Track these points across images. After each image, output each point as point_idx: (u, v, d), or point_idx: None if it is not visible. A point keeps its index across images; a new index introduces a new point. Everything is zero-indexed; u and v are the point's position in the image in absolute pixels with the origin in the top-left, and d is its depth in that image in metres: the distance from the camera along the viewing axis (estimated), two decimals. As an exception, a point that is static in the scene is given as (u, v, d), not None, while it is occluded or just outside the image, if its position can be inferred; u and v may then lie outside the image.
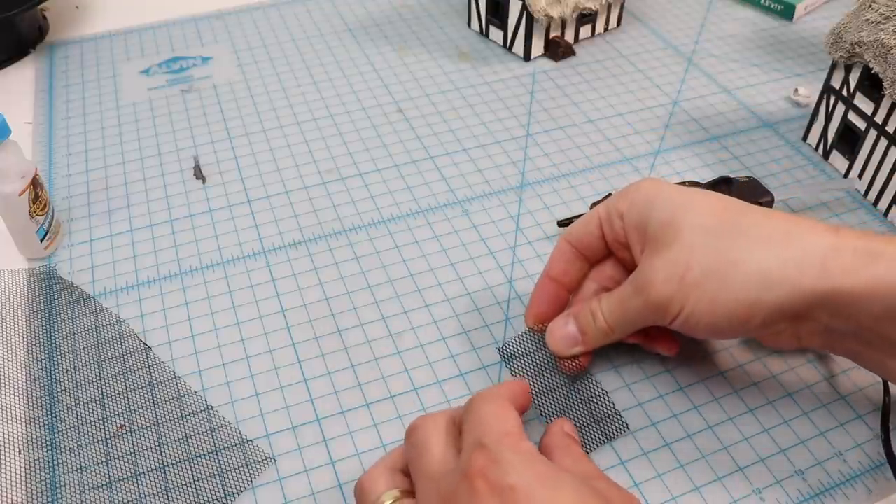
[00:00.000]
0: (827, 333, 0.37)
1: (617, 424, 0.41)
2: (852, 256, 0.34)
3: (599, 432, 0.41)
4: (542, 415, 0.41)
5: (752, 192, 0.52)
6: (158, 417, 0.42)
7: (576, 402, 0.42)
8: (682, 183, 0.53)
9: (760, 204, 0.52)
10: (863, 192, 0.56)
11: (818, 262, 0.34)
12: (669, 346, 0.43)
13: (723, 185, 0.53)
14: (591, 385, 0.43)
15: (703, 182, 0.54)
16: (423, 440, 0.34)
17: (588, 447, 0.40)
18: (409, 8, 0.80)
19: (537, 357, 0.43)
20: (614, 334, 0.40)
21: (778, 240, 0.35)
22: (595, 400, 0.42)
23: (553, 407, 0.42)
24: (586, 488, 0.31)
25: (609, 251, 0.43)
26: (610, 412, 0.42)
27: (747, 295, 0.35)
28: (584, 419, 0.41)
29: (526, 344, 0.44)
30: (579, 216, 0.52)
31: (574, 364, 0.42)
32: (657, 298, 0.37)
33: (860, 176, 0.56)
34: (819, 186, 0.56)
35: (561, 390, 0.42)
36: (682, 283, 0.36)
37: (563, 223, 0.53)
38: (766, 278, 0.35)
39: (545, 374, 0.43)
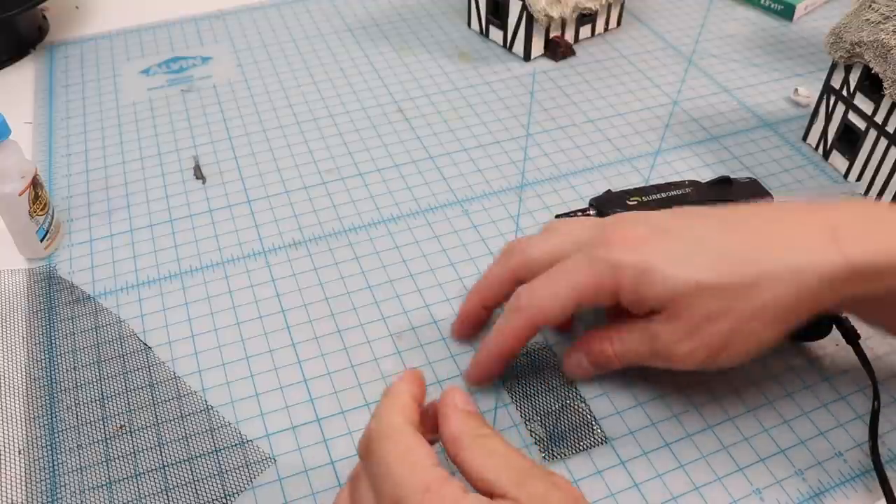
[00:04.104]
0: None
1: (594, 435, 0.41)
2: (856, 274, 0.35)
3: (575, 441, 0.41)
4: (522, 418, 0.42)
5: (752, 193, 0.52)
6: (158, 417, 0.42)
7: (554, 409, 0.42)
8: (682, 183, 0.53)
9: (760, 204, 0.52)
10: (863, 192, 0.56)
11: (828, 281, 0.35)
12: None
13: (723, 185, 0.53)
14: (572, 393, 0.43)
15: (704, 182, 0.54)
16: None
17: (561, 454, 0.40)
18: (409, 8, 0.80)
19: (528, 368, 0.44)
20: (620, 367, 0.41)
21: (786, 275, 0.35)
22: (573, 407, 0.42)
23: (532, 411, 0.42)
24: None
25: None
26: (587, 421, 0.42)
27: (771, 334, 0.36)
28: (561, 426, 0.41)
29: (520, 358, 0.45)
30: (577, 211, 0.53)
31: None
32: (685, 366, 0.38)
33: (860, 176, 0.56)
34: (820, 190, 0.55)
35: (540, 396, 0.43)
36: (709, 352, 0.37)
37: (561, 217, 0.53)
38: (785, 313, 0.35)
39: (529, 380, 0.44)
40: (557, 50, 0.71)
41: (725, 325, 0.36)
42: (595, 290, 0.38)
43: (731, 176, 0.53)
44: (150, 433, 0.41)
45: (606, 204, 0.52)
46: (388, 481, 0.30)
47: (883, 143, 0.53)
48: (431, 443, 0.33)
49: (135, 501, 0.39)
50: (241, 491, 0.39)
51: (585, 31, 0.74)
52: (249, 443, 0.41)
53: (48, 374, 0.45)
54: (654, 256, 0.37)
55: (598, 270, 0.37)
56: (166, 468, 0.40)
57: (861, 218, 0.36)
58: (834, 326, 0.44)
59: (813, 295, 0.35)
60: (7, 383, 0.44)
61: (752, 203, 0.43)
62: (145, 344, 0.46)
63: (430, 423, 0.35)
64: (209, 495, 0.39)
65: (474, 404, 0.34)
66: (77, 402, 0.43)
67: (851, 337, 0.44)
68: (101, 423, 0.42)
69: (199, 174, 0.59)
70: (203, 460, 0.40)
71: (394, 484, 0.30)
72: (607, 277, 0.37)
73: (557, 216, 0.53)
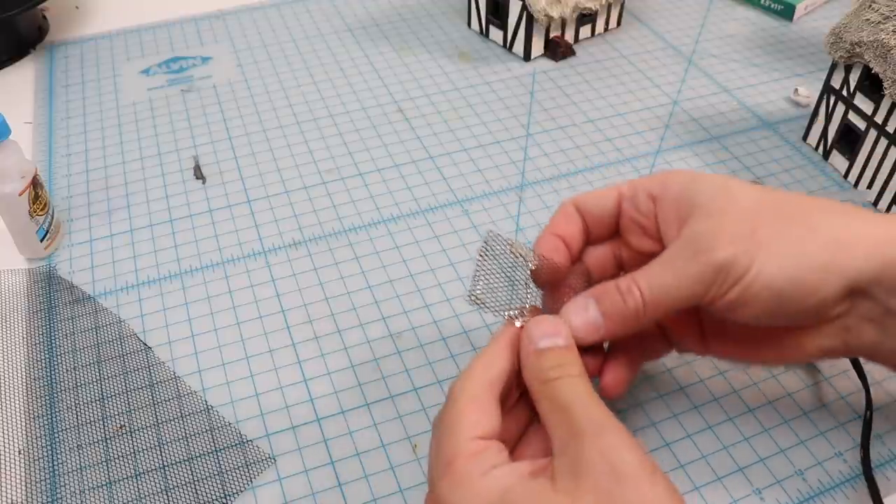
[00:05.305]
0: (880, 321, 0.34)
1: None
2: None
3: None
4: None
5: None
6: (158, 417, 0.42)
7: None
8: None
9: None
10: (863, 193, 0.56)
11: (884, 235, 0.32)
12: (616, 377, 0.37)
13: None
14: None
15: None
16: None
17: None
18: (409, 8, 0.80)
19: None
20: (646, 315, 0.33)
21: (842, 212, 0.34)
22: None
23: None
24: None
25: (612, 234, 0.38)
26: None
27: (820, 257, 0.32)
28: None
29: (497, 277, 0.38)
30: None
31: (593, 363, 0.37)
32: (721, 258, 0.32)
33: (860, 176, 0.56)
34: (831, 196, 0.55)
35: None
36: (751, 241, 0.32)
37: None
38: (840, 241, 0.32)
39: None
40: (557, 50, 0.71)
41: (772, 229, 0.32)
42: (641, 186, 0.36)
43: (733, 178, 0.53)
44: (150, 433, 0.41)
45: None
46: (433, 447, 0.31)
47: (883, 143, 0.53)
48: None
49: (135, 501, 0.39)
50: (241, 491, 0.39)
51: (585, 31, 0.74)
52: (249, 443, 0.41)
53: (48, 374, 0.45)
54: (703, 174, 0.36)
55: (644, 177, 0.37)
56: (166, 468, 0.40)
57: None
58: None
59: (869, 239, 0.32)
60: (7, 383, 0.44)
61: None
62: (145, 344, 0.46)
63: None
64: (209, 495, 0.39)
65: (560, 328, 0.32)
66: (77, 402, 0.43)
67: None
68: (101, 423, 0.42)
69: (199, 174, 0.59)
70: (203, 460, 0.40)
71: (434, 452, 0.31)
72: (651, 178, 0.36)
73: None
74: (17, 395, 0.44)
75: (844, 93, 0.56)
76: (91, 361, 0.45)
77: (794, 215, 0.33)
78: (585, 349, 0.35)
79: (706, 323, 0.38)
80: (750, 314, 0.33)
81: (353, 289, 0.50)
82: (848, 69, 0.56)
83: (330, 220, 0.55)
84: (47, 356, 0.46)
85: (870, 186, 0.55)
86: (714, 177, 0.35)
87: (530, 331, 0.33)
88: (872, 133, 0.54)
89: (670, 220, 0.35)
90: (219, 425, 0.42)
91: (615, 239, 0.39)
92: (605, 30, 0.76)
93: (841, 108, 0.57)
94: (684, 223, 0.34)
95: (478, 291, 0.35)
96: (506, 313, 0.35)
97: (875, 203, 0.55)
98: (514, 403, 0.35)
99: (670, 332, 0.39)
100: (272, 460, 0.40)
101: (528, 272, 0.37)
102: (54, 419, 0.42)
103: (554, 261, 0.36)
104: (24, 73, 0.71)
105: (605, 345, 0.39)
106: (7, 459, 0.40)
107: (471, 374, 0.33)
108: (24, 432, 0.42)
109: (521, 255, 0.37)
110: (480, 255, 0.36)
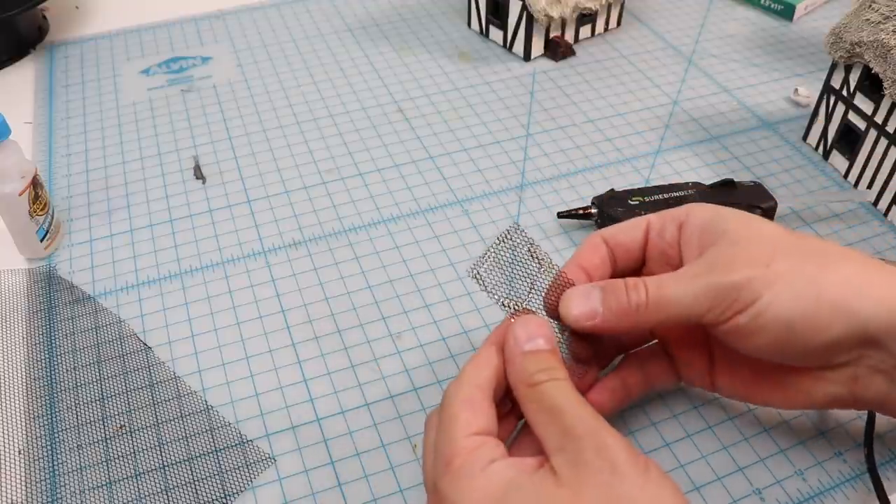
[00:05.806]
0: (890, 373, 0.34)
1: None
2: None
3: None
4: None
5: (756, 197, 0.52)
6: (158, 417, 0.42)
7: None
8: (685, 184, 0.53)
9: (762, 210, 0.52)
10: (865, 193, 0.56)
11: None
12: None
13: (727, 188, 0.53)
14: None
15: (706, 184, 0.53)
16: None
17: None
18: (409, 8, 0.80)
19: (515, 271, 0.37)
20: (647, 314, 0.34)
21: (859, 259, 0.34)
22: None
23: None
24: None
25: (638, 267, 0.39)
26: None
27: (834, 296, 0.32)
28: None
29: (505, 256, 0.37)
30: (579, 209, 0.53)
31: (579, 374, 0.37)
32: (734, 279, 0.32)
33: (860, 176, 0.56)
34: (832, 196, 0.55)
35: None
36: (768, 269, 0.32)
37: (563, 215, 0.53)
38: (855, 284, 0.32)
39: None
40: (557, 50, 0.71)
41: (789, 263, 0.33)
42: (668, 216, 0.37)
43: (734, 178, 0.53)
44: (150, 433, 0.41)
45: (608, 203, 0.52)
46: (429, 451, 0.32)
47: (883, 143, 0.53)
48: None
49: (135, 501, 0.39)
50: (241, 491, 0.39)
51: (585, 31, 0.74)
52: (249, 443, 0.41)
53: (48, 374, 0.45)
54: (728, 209, 0.36)
55: (672, 210, 0.38)
56: (166, 468, 0.40)
57: None
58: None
59: (885, 290, 0.33)
60: (7, 383, 0.44)
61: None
62: (145, 344, 0.46)
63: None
64: (209, 495, 0.39)
65: (545, 330, 0.33)
66: (77, 402, 0.43)
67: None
68: (101, 423, 0.42)
69: (199, 174, 0.59)
70: (203, 460, 0.40)
71: (431, 455, 0.32)
72: (678, 209, 0.37)
73: (559, 214, 0.53)
74: (17, 395, 0.44)
75: (844, 93, 0.56)
76: (91, 361, 0.45)
77: (812, 254, 0.34)
78: (578, 365, 0.36)
79: (716, 356, 0.38)
80: (758, 345, 0.33)
81: (353, 289, 0.50)
82: (848, 69, 0.56)
83: (330, 220, 0.55)
84: (47, 356, 0.46)
85: (870, 186, 0.55)
86: (737, 211, 0.36)
87: (516, 332, 0.33)
88: (872, 133, 0.54)
89: (693, 245, 0.36)
90: (219, 425, 0.42)
91: (640, 273, 0.39)
92: (605, 30, 0.76)
93: (841, 108, 0.57)
94: (706, 249, 0.35)
95: (482, 270, 0.35)
96: (500, 302, 0.35)
97: (875, 203, 0.55)
98: (510, 409, 0.35)
99: (678, 363, 0.39)
100: (272, 460, 0.40)
101: (538, 281, 0.36)
102: (54, 419, 0.42)
103: (572, 280, 0.36)
104: (24, 73, 0.71)
105: (607, 370, 0.39)
106: (7, 459, 0.40)
107: (462, 377, 0.33)
108: (24, 432, 0.42)
109: (538, 259, 0.36)
110: (497, 241, 0.36)
